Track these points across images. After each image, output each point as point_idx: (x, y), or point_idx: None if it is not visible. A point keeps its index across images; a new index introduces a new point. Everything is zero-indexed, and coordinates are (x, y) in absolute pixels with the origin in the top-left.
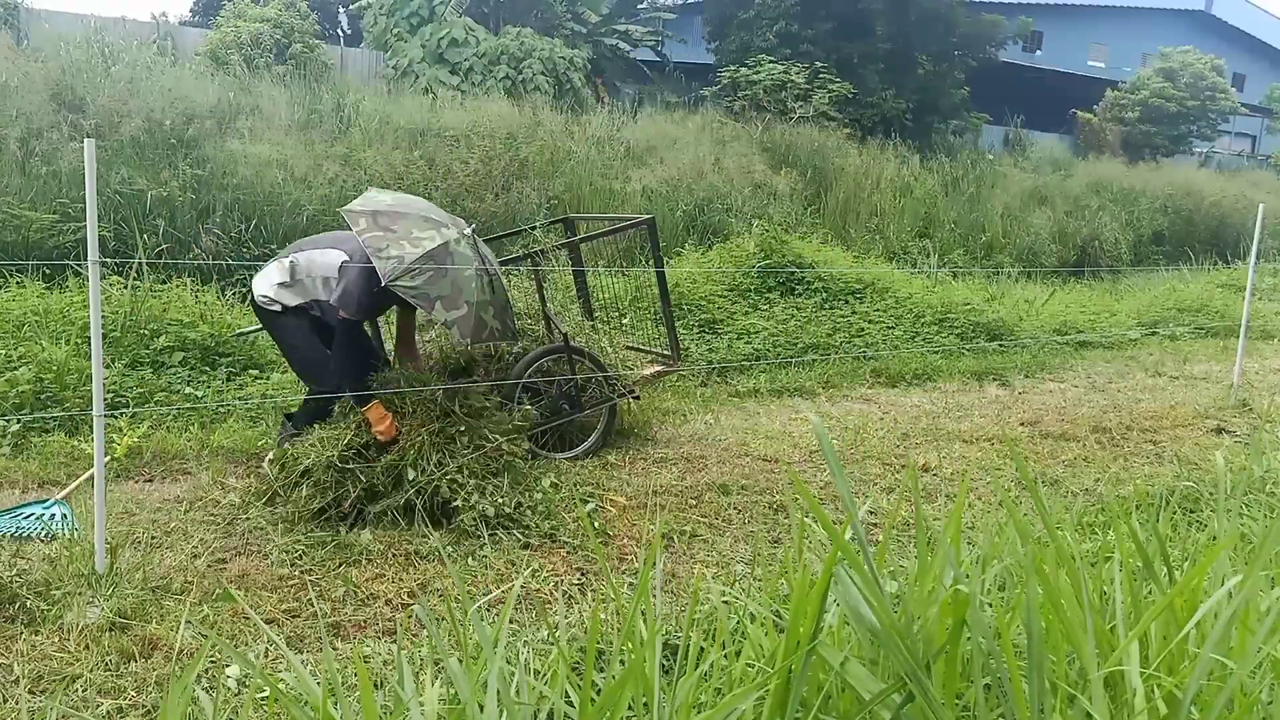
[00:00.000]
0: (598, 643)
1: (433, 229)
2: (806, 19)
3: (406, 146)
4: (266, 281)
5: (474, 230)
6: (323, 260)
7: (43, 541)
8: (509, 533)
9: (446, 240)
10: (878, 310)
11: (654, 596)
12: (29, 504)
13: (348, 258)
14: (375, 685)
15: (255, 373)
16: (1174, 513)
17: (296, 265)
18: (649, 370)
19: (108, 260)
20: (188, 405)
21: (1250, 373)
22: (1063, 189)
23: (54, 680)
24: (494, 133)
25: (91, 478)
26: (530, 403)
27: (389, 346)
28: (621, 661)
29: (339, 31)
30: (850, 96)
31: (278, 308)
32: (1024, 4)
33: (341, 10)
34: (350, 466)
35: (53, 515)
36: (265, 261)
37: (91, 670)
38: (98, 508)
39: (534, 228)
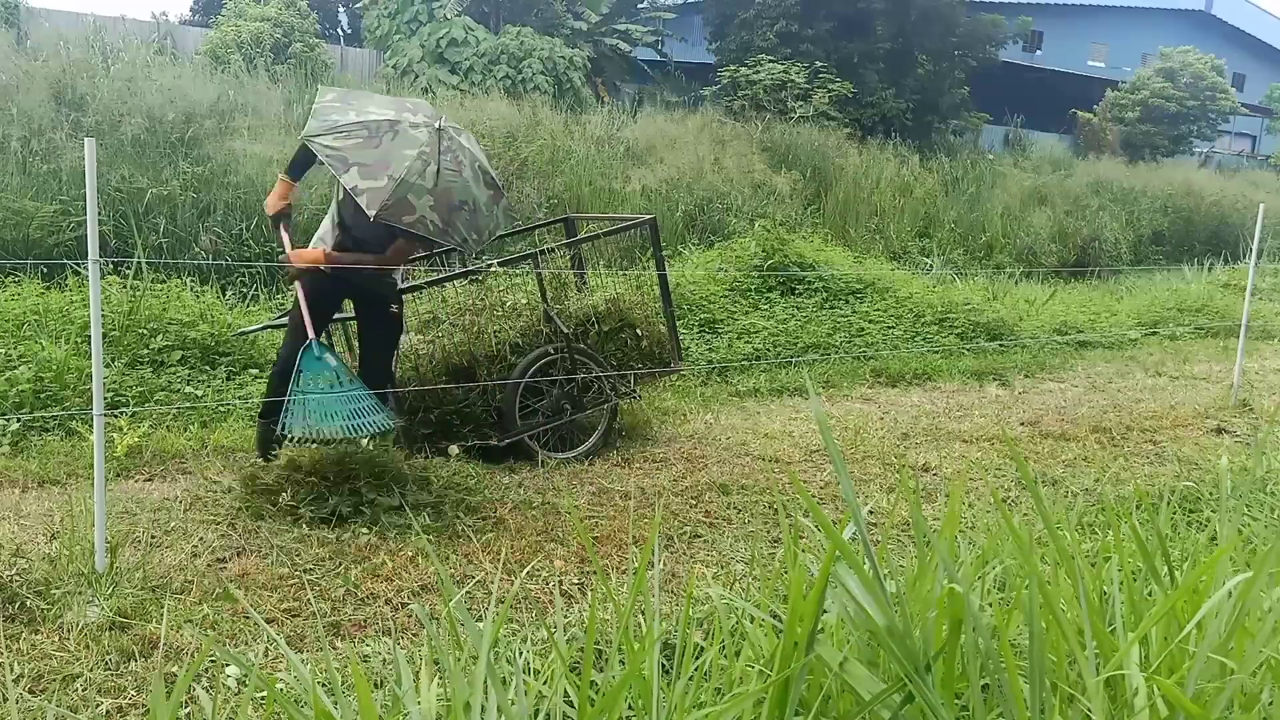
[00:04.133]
0: (596, 642)
1: (394, 109)
2: (806, 19)
3: None
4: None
5: (445, 125)
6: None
7: (44, 541)
8: (510, 534)
9: (400, 119)
10: (878, 310)
11: (653, 596)
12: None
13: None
14: (374, 685)
15: (255, 372)
16: (1174, 513)
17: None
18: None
19: (107, 259)
20: (187, 405)
21: (1250, 373)
22: (1063, 189)
23: (54, 679)
24: (493, 132)
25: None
26: (532, 402)
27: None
28: (621, 661)
29: (339, 31)
30: (850, 96)
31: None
32: (1024, 4)
33: (341, 9)
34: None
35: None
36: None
37: (91, 669)
38: (98, 507)
39: (534, 228)
